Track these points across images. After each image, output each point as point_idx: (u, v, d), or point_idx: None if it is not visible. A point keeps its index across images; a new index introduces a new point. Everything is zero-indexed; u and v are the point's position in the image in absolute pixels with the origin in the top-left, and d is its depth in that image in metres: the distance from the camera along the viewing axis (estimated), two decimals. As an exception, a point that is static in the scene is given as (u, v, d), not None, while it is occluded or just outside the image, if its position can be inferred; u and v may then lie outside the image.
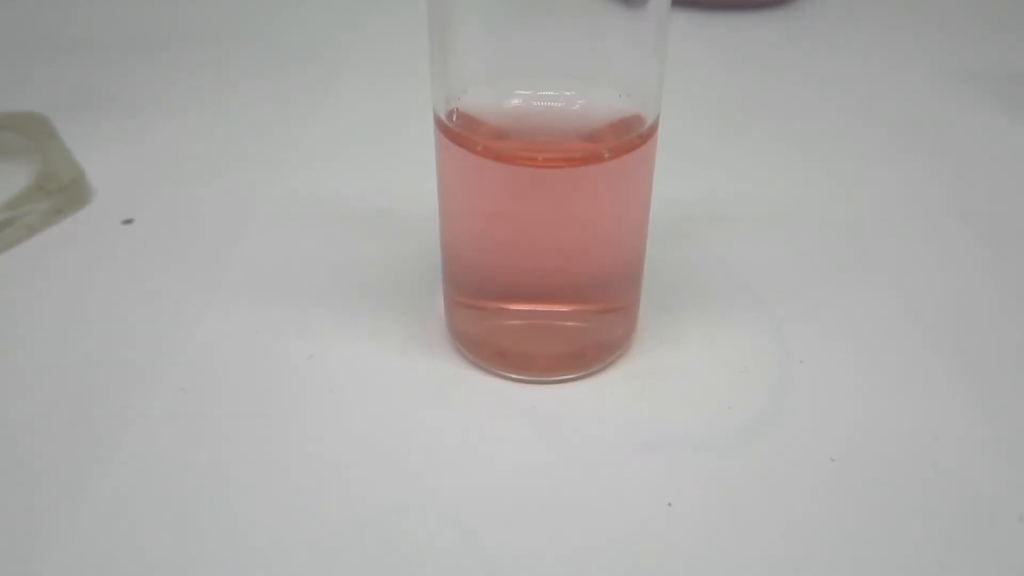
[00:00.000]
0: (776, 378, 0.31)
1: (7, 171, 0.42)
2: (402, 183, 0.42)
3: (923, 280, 0.37)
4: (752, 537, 0.26)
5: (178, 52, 0.58)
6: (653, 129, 0.28)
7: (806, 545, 0.26)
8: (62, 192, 0.40)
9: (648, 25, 0.27)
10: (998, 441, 0.29)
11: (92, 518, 0.26)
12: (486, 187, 0.28)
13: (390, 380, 0.31)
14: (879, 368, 0.32)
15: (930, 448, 0.29)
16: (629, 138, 0.27)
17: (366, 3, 0.67)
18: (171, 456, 0.28)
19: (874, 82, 0.55)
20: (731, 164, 0.46)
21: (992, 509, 0.27)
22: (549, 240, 0.29)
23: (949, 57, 0.58)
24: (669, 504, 0.27)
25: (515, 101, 0.28)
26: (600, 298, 0.31)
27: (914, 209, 0.42)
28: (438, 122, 0.28)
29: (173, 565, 0.25)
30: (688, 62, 0.57)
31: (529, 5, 0.27)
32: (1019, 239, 0.40)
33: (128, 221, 0.40)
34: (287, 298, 0.35)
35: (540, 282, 0.30)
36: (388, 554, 0.25)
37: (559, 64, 0.28)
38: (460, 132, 0.27)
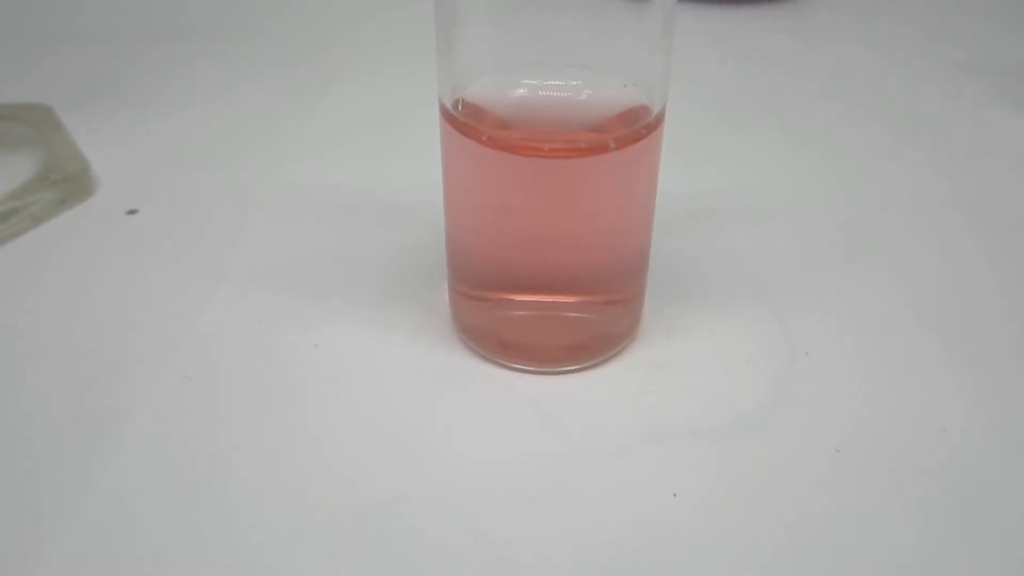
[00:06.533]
0: (781, 370, 0.31)
1: (12, 161, 0.42)
2: (407, 173, 0.42)
3: (927, 272, 0.37)
4: (758, 528, 0.26)
5: (183, 44, 0.58)
6: (659, 120, 0.28)
7: (812, 536, 0.26)
8: (67, 182, 0.40)
9: (655, 15, 0.26)
10: (1004, 433, 0.29)
11: (95, 506, 0.26)
12: (491, 177, 0.28)
13: (394, 370, 0.31)
14: (884, 360, 0.32)
15: (936, 440, 0.29)
16: (635, 128, 0.27)
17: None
18: (174, 444, 0.28)
19: (878, 76, 0.55)
20: (736, 156, 0.46)
21: (998, 500, 0.27)
22: (554, 231, 0.28)
23: (952, 51, 0.58)
24: (674, 495, 0.27)
25: (521, 91, 0.28)
26: (605, 289, 0.31)
27: (918, 202, 0.42)
28: (444, 112, 0.28)
29: (175, 554, 0.25)
30: (693, 55, 0.57)
31: (535, -6, 0.27)
32: (1021, 231, 0.39)
33: (132, 211, 0.40)
34: (291, 288, 0.35)
35: (545, 273, 0.30)
36: (391, 544, 0.25)
37: (565, 54, 0.28)
38: (466, 122, 0.27)
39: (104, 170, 0.43)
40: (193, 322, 0.33)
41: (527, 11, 0.27)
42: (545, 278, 0.30)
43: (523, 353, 0.31)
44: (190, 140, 0.46)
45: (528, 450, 0.28)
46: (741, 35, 0.61)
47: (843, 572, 0.25)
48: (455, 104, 0.28)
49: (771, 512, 0.26)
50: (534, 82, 0.28)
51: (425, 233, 0.36)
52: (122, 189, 0.42)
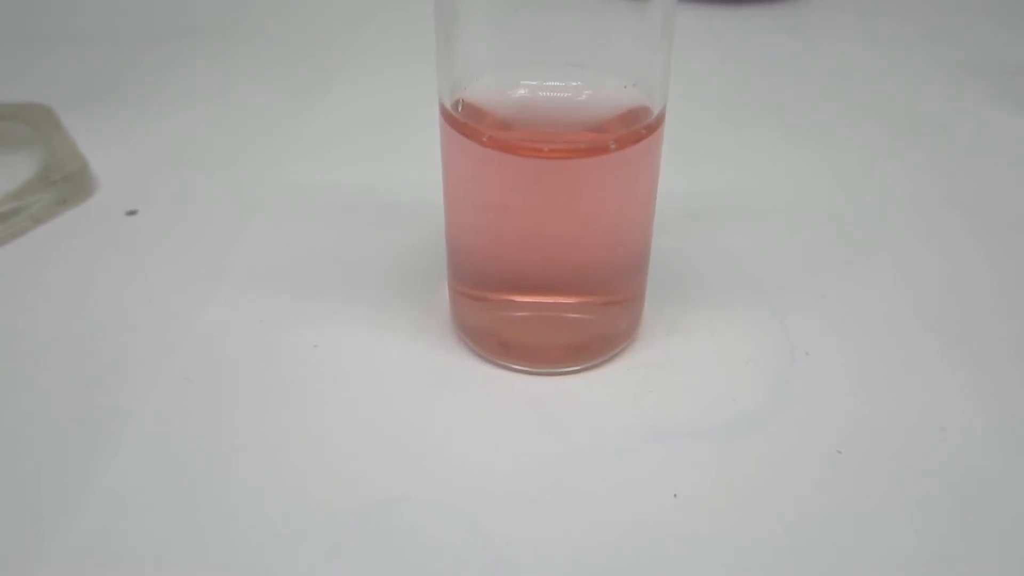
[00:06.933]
0: (782, 370, 0.31)
1: (12, 162, 0.42)
2: (407, 173, 0.42)
3: (927, 272, 0.37)
4: (758, 528, 0.26)
5: (183, 44, 0.58)
6: (659, 120, 0.28)
7: (812, 536, 0.26)
8: (66, 183, 0.40)
9: (655, 15, 0.26)
10: (1004, 433, 0.29)
11: (95, 506, 0.26)
12: (491, 178, 0.28)
13: (394, 370, 0.31)
14: (885, 360, 0.32)
15: (936, 440, 0.29)
16: (635, 129, 0.27)
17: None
18: (174, 444, 0.28)
19: (877, 75, 0.55)
20: (736, 156, 0.46)
21: (998, 500, 0.27)
22: (554, 231, 0.28)
23: (952, 51, 0.58)
24: (675, 495, 0.27)
25: (521, 91, 0.28)
26: (605, 290, 0.31)
27: (918, 202, 0.42)
28: (444, 112, 0.28)
29: (175, 554, 0.25)
30: (693, 55, 0.57)
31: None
32: (1021, 231, 0.39)
33: (132, 212, 0.40)
34: (291, 288, 0.35)
35: (545, 274, 0.30)
36: (391, 544, 0.25)
37: (565, 54, 0.28)
38: (466, 122, 0.27)
39: (104, 170, 0.43)
40: (193, 322, 0.33)
41: (527, 11, 0.27)
42: (545, 278, 0.30)
43: (523, 353, 0.31)
44: (190, 140, 0.46)
45: (528, 450, 0.28)
46: (741, 35, 0.61)
47: (843, 572, 0.25)
48: (455, 105, 0.28)
49: (771, 512, 0.26)
50: (534, 83, 0.28)
51: (425, 233, 0.36)
52: (122, 189, 0.42)
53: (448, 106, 0.28)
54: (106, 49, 0.57)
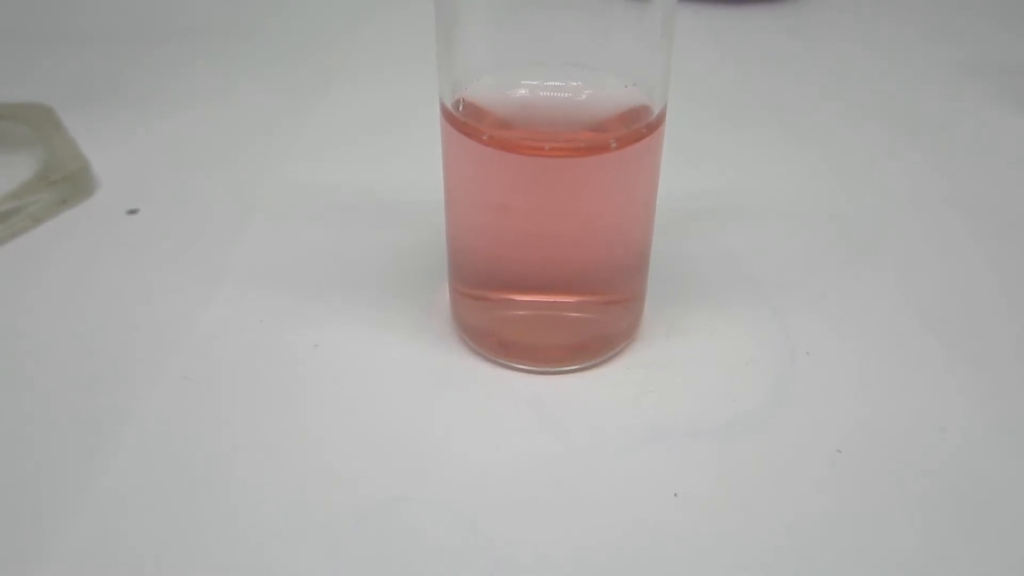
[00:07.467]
0: (782, 370, 0.31)
1: (12, 161, 0.42)
2: (407, 173, 0.42)
3: (928, 272, 0.37)
4: (758, 528, 0.26)
5: (183, 44, 0.58)
6: (660, 120, 0.28)
7: (812, 536, 0.26)
8: (67, 182, 0.40)
9: (655, 15, 0.26)
10: (1004, 433, 0.29)
11: (95, 506, 0.26)
12: (492, 177, 0.28)
13: (395, 370, 0.31)
14: (885, 360, 0.32)
15: (936, 440, 0.29)
16: (636, 128, 0.27)
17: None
18: (174, 444, 0.28)
19: (878, 76, 0.55)
20: (736, 156, 0.46)
21: (998, 500, 0.27)
22: (554, 231, 0.28)
23: (952, 51, 0.58)
24: (675, 495, 0.27)
25: (522, 91, 0.28)
26: (605, 289, 0.31)
27: (918, 202, 0.42)
28: (444, 111, 0.28)
29: (175, 554, 0.25)
30: (694, 55, 0.57)
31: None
32: (1021, 231, 0.39)
33: (133, 211, 0.40)
34: (291, 288, 0.35)
35: (545, 273, 0.30)
36: (391, 544, 0.25)
37: (566, 54, 0.28)
38: (466, 121, 0.27)
39: (104, 170, 0.43)
40: (193, 322, 0.33)
41: (527, 11, 0.27)
42: (545, 278, 0.30)
43: (523, 353, 0.31)
44: (190, 140, 0.46)
45: (528, 450, 0.28)
46: (741, 35, 0.61)
47: (843, 572, 0.25)
48: (456, 104, 0.28)
49: (771, 512, 0.26)
50: (535, 82, 0.28)
51: (425, 233, 0.36)
52: (122, 189, 0.42)
53: (449, 105, 0.28)
54: (106, 49, 0.57)
